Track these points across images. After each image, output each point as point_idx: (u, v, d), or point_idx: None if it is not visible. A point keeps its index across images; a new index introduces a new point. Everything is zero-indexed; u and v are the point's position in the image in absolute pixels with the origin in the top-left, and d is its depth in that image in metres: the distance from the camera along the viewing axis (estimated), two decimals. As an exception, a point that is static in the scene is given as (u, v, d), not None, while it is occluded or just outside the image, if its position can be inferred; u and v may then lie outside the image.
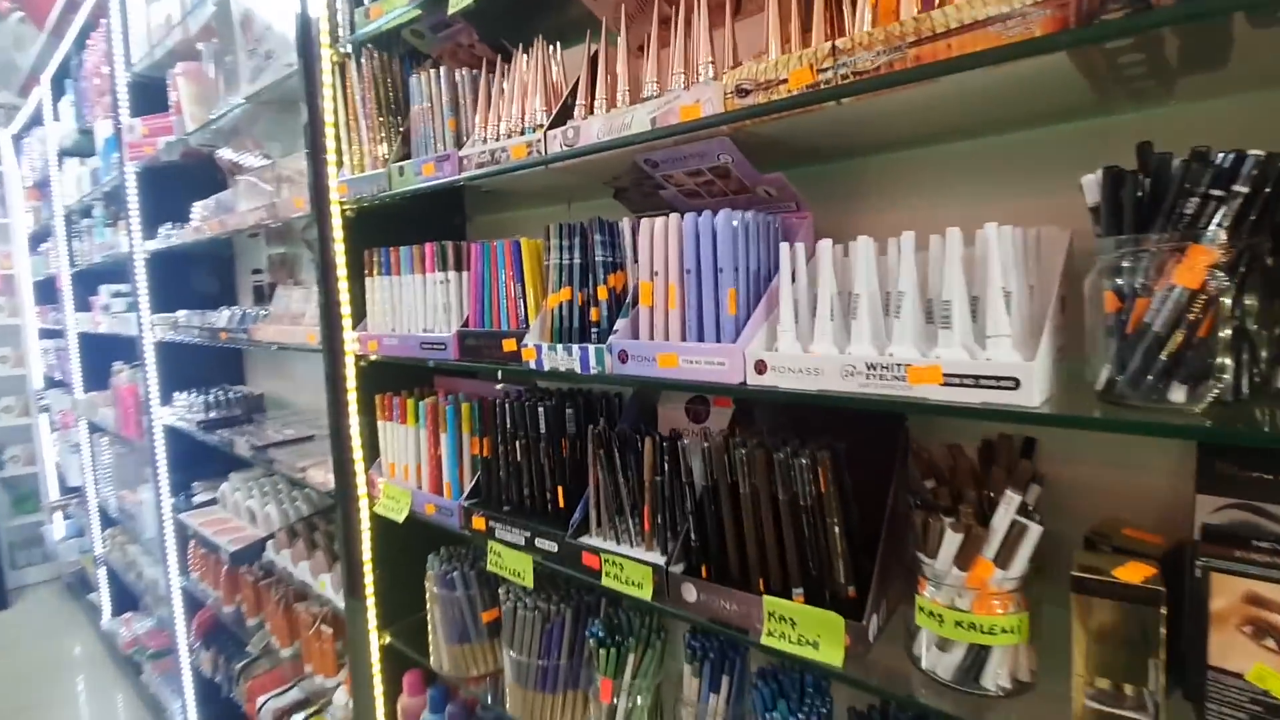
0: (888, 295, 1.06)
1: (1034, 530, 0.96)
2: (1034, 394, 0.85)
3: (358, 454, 1.98)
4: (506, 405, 1.60)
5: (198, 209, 2.88)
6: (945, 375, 0.91)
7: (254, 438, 2.61)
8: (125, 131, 3.17)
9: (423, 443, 1.84)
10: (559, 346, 1.37)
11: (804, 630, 1.09)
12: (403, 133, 1.78)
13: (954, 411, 0.91)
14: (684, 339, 1.21)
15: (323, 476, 2.18)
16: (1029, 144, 1.18)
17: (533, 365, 1.43)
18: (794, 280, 1.13)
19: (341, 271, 1.92)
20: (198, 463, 3.43)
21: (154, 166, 3.19)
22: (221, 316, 2.83)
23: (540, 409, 1.55)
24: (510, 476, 1.61)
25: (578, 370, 1.34)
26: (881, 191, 1.35)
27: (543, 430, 1.54)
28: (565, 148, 1.34)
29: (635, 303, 1.30)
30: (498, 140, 1.52)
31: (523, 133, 1.48)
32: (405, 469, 1.91)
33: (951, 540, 0.99)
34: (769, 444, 1.18)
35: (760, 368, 1.09)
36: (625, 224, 1.36)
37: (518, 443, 1.58)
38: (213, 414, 3.05)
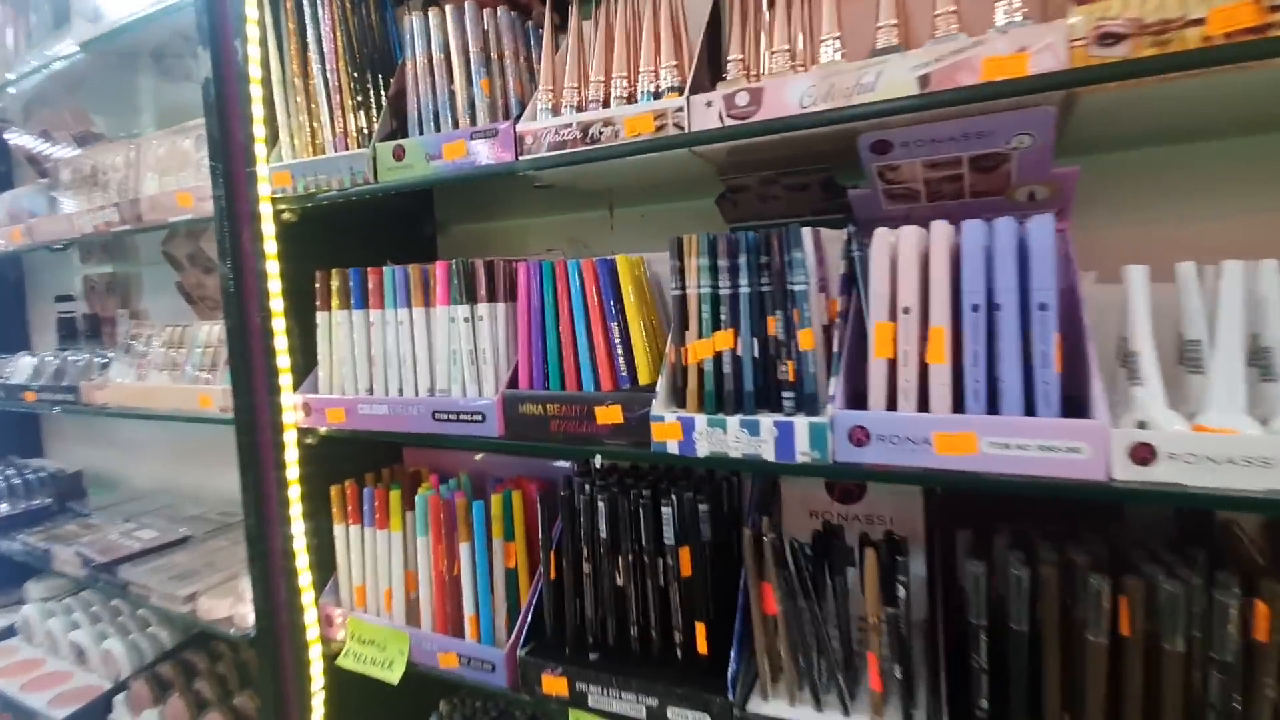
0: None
1: None
2: None
3: (302, 576, 1.31)
4: (589, 499, 1.08)
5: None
6: None
7: (87, 545, 1.76)
8: None
9: (421, 556, 1.24)
10: (729, 422, 0.89)
11: None
12: (391, 98, 1.20)
13: None
14: (956, 409, 0.80)
15: (228, 610, 1.46)
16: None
17: (675, 449, 0.94)
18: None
19: (277, 303, 1.27)
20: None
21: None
22: (21, 367, 1.93)
23: (639, 503, 1.05)
24: (603, 607, 1.09)
25: (768, 458, 0.87)
26: (1169, 194, 1.02)
27: (646, 533, 1.04)
28: (732, 121, 0.88)
29: (852, 353, 0.87)
30: (583, 110, 1.02)
31: (632, 98, 0.99)
32: (386, 596, 1.28)
33: None
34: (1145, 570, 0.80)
35: (1142, 455, 0.71)
36: (807, 236, 0.92)
37: (616, 556, 1.07)
38: (4, 506, 2.08)
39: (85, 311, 2.40)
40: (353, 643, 1.28)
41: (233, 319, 1.31)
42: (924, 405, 0.82)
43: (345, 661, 1.27)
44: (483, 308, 1.14)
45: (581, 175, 1.16)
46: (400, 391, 1.21)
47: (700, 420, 0.91)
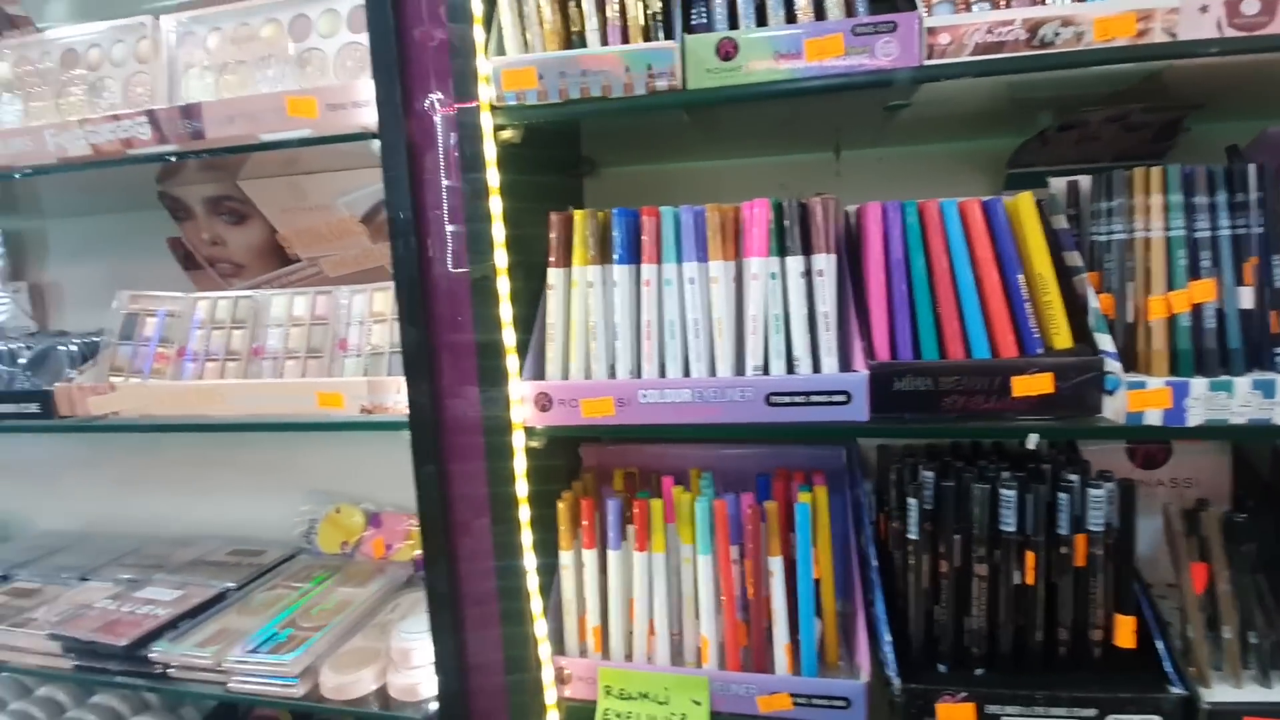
0: None
1: None
2: None
3: (538, 624, 0.98)
4: (990, 490, 0.90)
5: None
6: None
7: (64, 624, 1.19)
8: None
9: (703, 579, 0.98)
10: (1237, 384, 0.77)
11: None
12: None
13: None
14: None
15: (373, 682, 1.06)
16: None
17: (1157, 420, 0.79)
18: None
19: (500, 257, 0.91)
20: None
21: None
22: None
23: (1030, 490, 0.90)
24: (997, 610, 0.92)
25: (1285, 422, 0.76)
26: None
27: (1037, 522, 0.89)
28: (1234, 32, 0.75)
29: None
30: (1003, 6, 0.82)
31: (1076, -3, 0.81)
32: (647, 635, 1.00)
33: None
34: None
35: None
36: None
37: (1018, 551, 0.90)
38: None
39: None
40: (610, 700, 0.98)
41: (411, 281, 0.92)
42: None
43: (609, 725, 0.97)
44: (821, 259, 0.90)
45: (942, 95, 0.92)
46: (686, 372, 0.93)
47: (1198, 384, 0.78)
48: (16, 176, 1.04)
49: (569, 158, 1.27)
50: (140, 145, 1.00)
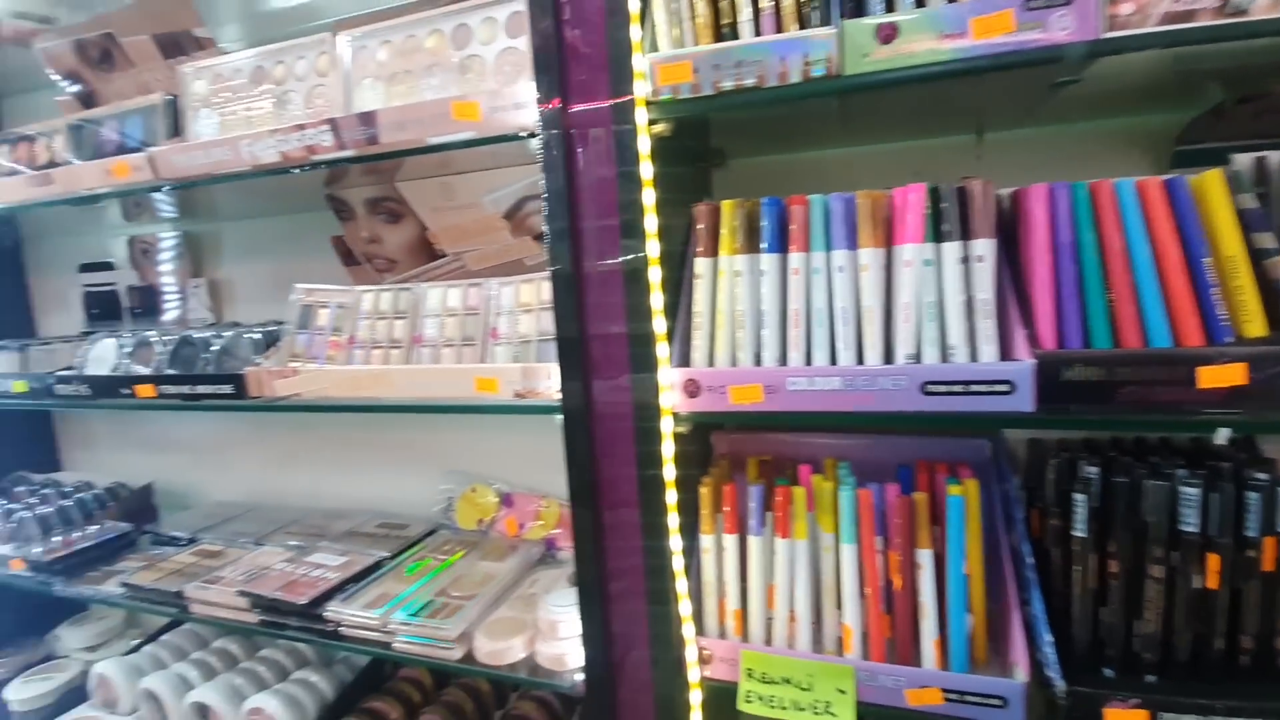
0: None
1: None
2: None
3: (683, 605, 1.01)
4: (1170, 487, 0.85)
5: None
6: None
7: (248, 582, 1.34)
8: None
9: (846, 569, 0.97)
10: None
11: None
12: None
13: None
14: None
15: (523, 650, 1.13)
16: None
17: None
18: None
19: (653, 247, 0.94)
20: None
21: None
22: (101, 353, 1.45)
23: (1215, 488, 0.84)
24: (1175, 614, 0.87)
25: None
26: None
27: (1225, 523, 0.83)
28: None
29: None
30: (1194, -29, 0.77)
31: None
32: (788, 621, 1.01)
33: None
34: None
35: None
36: None
37: (1200, 553, 0.85)
38: (73, 538, 1.60)
39: (134, 283, 1.88)
40: (751, 683, 1.00)
41: (565, 272, 0.97)
42: None
43: (752, 706, 0.99)
44: (980, 244, 0.88)
45: (1116, 69, 0.87)
46: (833, 360, 0.93)
47: None
48: (216, 183, 1.18)
49: (699, 149, 1.29)
50: (322, 151, 1.10)
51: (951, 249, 0.88)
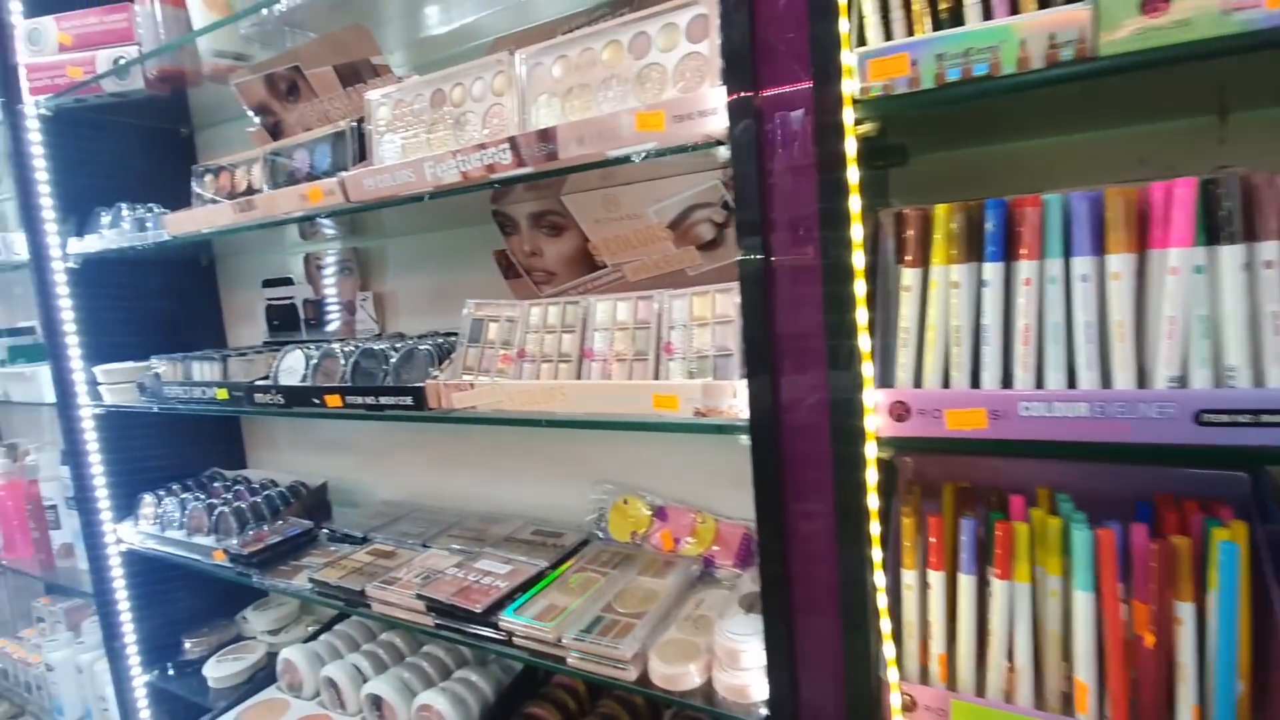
0: None
1: None
2: None
3: (886, 646, 0.93)
4: None
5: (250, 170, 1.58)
6: None
7: (423, 585, 1.39)
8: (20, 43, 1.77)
9: (1080, 617, 0.85)
10: None
11: None
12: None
13: None
14: None
15: (699, 676, 1.09)
16: None
17: None
18: None
19: (859, 258, 0.87)
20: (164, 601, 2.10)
21: (76, 109, 1.82)
22: (291, 364, 1.55)
23: None
24: None
25: None
26: None
27: None
28: None
29: None
30: None
31: None
32: (1006, 672, 0.90)
33: None
34: None
35: None
36: None
37: None
38: (265, 532, 1.74)
39: (309, 297, 2.03)
40: (965, 742, 0.91)
41: (757, 284, 0.92)
42: None
43: (967, 770, 0.90)
44: (1269, 247, 0.74)
45: None
46: (1071, 381, 0.82)
47: None
48: (401, 204, 1.22)
49: (878, 147, 1.19)
50: (501, 170, 1.11)
51: (1232, 253, 0.74)
